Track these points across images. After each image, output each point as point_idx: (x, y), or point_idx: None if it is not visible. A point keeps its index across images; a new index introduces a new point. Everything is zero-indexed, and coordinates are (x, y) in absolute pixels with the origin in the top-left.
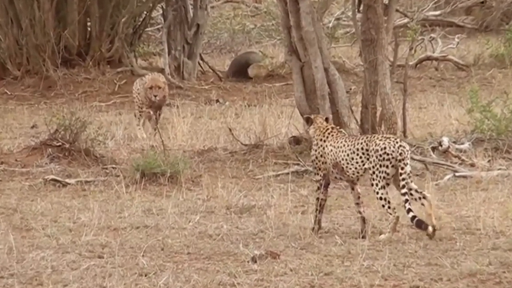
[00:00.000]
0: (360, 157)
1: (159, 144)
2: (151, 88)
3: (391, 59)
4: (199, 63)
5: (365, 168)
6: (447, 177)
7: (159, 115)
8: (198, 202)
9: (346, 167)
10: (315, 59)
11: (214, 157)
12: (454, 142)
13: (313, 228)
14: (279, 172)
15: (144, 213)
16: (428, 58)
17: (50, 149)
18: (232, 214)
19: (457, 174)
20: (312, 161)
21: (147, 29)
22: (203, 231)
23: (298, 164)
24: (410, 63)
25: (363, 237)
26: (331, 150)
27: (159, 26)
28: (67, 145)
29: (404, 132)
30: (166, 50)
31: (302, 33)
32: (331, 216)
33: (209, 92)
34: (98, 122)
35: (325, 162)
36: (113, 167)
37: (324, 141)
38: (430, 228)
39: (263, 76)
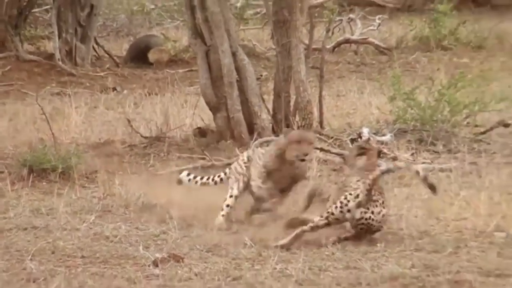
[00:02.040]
0: None
1: (49, 136)
2: (299, 143)
3: (306, 42)
4: (93, 48)
5: None
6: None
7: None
8: (93, 200)
9: None
10: (221, 42)
11: (111, 151)
12: (375, 133)
13: None
14: (183, 167)
15: (33, 213)
16: (347, 41)
17: None
18: (131, 214)
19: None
20: None
21: (34, 10)
22: (99, 233)
23: (204, 159)
24: (327, 46)
25: None
26: None
27: (48, 6)
28: None
29: (321, 122)
30: (56, 33)
31: (208, 14)
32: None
33: (105, 80)
34: None
35: None
36: None
37: None
38: None
39: (165, 61)
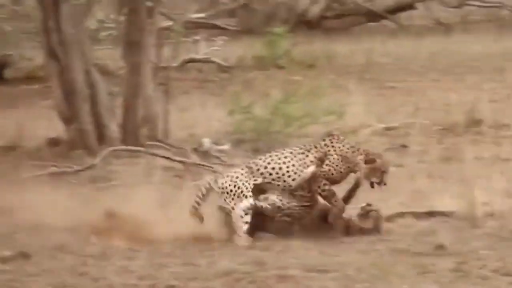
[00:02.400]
0: None
1: None
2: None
3: (155, 61)
4: None
5: None
6: (207, 177)
7: None
8: None
9: None
10: (75, 61)
11: None
12: (215, 143)
13: None
14: (35, 174)
15: None
16: (192, 60)
17: None
18: None
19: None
20: None
21: None
22: None
23: (55, 166)
24: (174, 65)
25: None
26: None
27: None
28: None
29: (166, 133)
30: None
31: (62, 35)
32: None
33: None
34: None
35: None
36: None
37: None
38: None
39: (21, 78)
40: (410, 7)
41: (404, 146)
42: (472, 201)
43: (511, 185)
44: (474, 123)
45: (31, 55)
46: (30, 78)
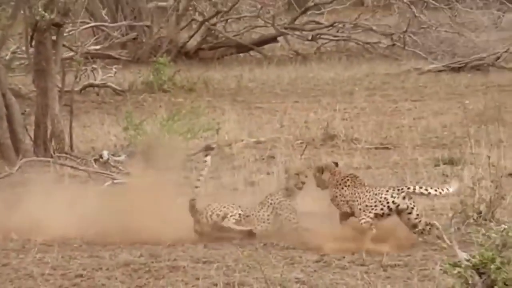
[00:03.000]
0: None
1: None
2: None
3: (60, 85)
4: None
5: None
6: (107, 184)
7: None
8: None
9: None
10: None
11: None
12: (113, 155)
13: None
14: None
15: None
16: (91, 85)
17: None
18: None
19: (115, 181)
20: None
21: None
22: None
23: None
24: (76, 89)
25: None
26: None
27: None
28: None
29: (71, 146)
30: None
31: None
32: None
33: None
34: None
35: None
36: None
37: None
38: None
39: None
40: (273, 40)
41: (272, 157)
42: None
43: None
44: (330, 137)
45: None
46: None
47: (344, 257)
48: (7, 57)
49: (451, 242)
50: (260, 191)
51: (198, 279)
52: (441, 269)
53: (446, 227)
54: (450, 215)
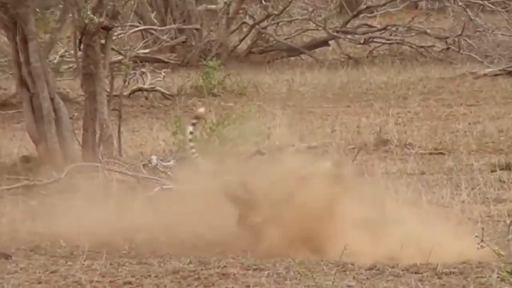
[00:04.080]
0: None
1: None
2: None
3: (108, 90)
4: None
5: None
6: (156, 189)
7: None
8: None
9: None
10: (42, 90)
11: None
12: (162, 160)
13: None
14: (11, 186)
15: None
16: (140, 89)
17: None
18: None
19: (164, 186)
20: None
21: None
22: None
23: (28, 179)
24: (124, 93)
25: None
26: None
27: None
28: None
29: (120, 151)
30: None
31: (31, 68)
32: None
33: None
34: None
35: None
36: None
37: None
38: None
39: None
40: (324, 43)
41: None
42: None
43: (416, 195)
44: (382, 142)
45: (5, 85)
46: (4, 105)
47: (398, 265)
48: (56, 61)
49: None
50: None
51: (248, 286)
52: (498, 277)
53: (503, 234)
54: (508, 221)
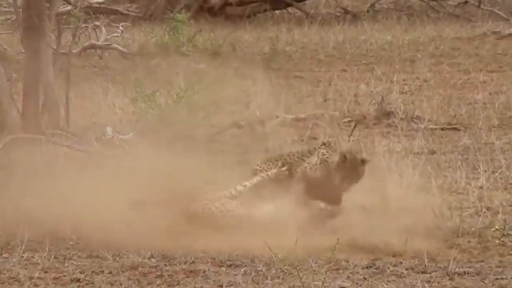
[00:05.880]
0: None
1: None
2: None
3: (54, 47)
4: None
5: None
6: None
7: None
8: None
9: None
10: None
11: None
12: (118, 132)
13: None
14: None
15: None
16: (92, 47)
17: None
18: None
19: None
20: None
21: None
22: None
23: None
24: (74, 51)
25: None
26: None
27: None
28: None
29: (68, 121)
30: None
31: None
32: None
33: None
34: None
35: None
36: None
37: None
38: None
39: None
40: None
41: (314, 138)
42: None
43: (424, 179)
44: (385, 115)
45: None
46: None
47: (401, 263)
48: None
49: None
50: None
51: (221, 286)
52: None
53: None
54: None
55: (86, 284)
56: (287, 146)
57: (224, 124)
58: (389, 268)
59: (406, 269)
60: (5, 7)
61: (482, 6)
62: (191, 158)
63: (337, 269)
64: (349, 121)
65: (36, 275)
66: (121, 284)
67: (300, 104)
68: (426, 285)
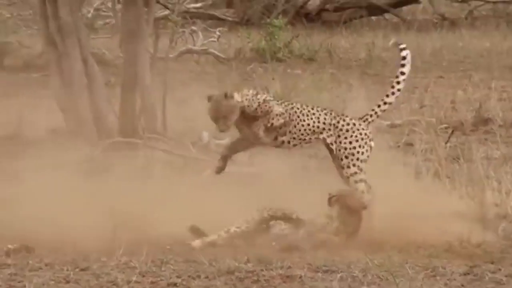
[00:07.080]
0: None
1: None
2: None
3: (152, 51)
4: None
5: None
6: (207, 172)
7: None
8: None
9: None
10: (73, 49)
11: None
12: (214, 137)
13: None
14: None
15: None
16: (189, 51)
17: None
18: None
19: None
20: None
21: None
22: None
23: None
24: (171, 55)
25: None
26: None
27: None
28: None
29: (165, 126)
30: None
31: (60, 23)
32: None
33: None
34: None
35: None
36: None
37: None
38: None
39: (20, 66)
40: (413, 1)
41: (410, 145)
42: (483, 202)
43: None
44: (483, 121)
45: (29, 43)
46: (28, 66)
47: (500, 269)
48: (90, 15)
49: None
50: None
51: None
52: None
53: None
54: None
55: None
56: (383, 153)
57: None
58: (487, 275)
59: (506, 276)
60: (104, 11)
61: None
62: (284, 164)
63: (434, 276)
64: (446, 128)
65: (134, 279)
66: None
67: (396, 110)
68: None
